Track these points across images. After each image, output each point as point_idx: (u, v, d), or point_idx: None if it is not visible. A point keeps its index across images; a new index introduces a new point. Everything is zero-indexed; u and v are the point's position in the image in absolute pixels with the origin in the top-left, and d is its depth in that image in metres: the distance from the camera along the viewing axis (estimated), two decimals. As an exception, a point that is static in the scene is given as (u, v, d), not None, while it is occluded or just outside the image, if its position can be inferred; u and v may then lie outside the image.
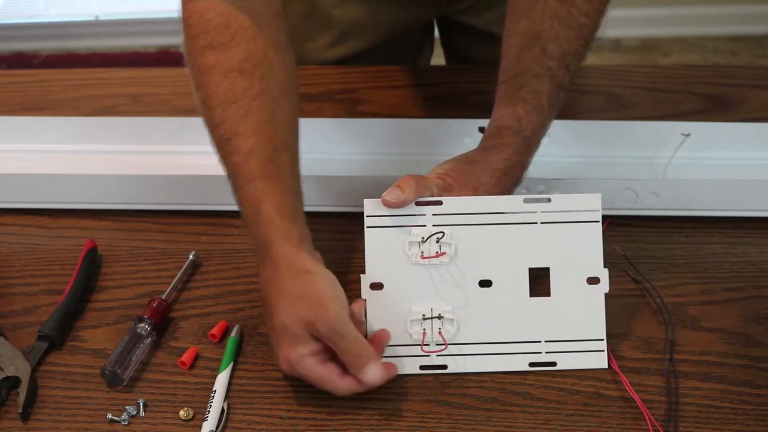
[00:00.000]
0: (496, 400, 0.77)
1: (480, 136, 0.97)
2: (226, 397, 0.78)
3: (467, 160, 0.83)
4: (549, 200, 0.80)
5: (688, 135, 0.96)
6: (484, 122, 0.97)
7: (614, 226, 0.93)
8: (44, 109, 1.11)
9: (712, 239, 0.93)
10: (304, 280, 0.74)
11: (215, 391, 0.78)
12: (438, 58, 1.33)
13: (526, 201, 0.80)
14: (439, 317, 0.78)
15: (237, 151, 0.78)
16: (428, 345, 0.78)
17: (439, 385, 0.79)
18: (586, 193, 0.80)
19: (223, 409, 0.77)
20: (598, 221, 0.80)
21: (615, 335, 0.83)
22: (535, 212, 0.80)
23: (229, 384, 0.79)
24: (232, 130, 0.78)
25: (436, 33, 1.29)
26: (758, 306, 0.86)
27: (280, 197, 0.77)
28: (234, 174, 0.78)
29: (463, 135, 0.99)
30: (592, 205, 0.80)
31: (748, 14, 2.65)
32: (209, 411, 0.76)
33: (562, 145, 0.96)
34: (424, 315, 0.78)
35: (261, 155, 0.77)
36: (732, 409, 0.77)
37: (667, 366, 0.80)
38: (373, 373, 0.73)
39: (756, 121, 1.02)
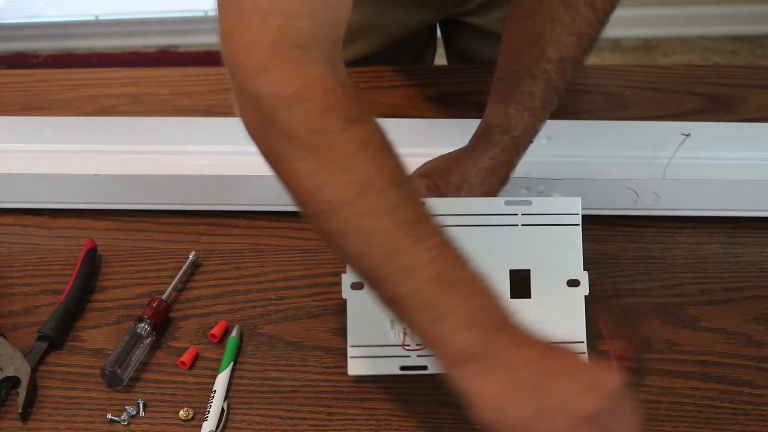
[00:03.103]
0: (496, 400, 0.77)
1: (480, 136, 0.97)
2: (226, 397, 0.78)
3: (453, 158, 0.83)
4: (530, 203, 0.80)
5: (688, 135, 0.96)
6: (484, 122, 0.97)
7: (614, 226, 0.93)
8: (44, 109, 1.11)
9: (712, 239, 0.93)
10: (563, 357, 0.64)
11: (215, 391, 0.78)
12: (440, 59, 1.33)
13: (507, 203, 0.80)
14: None
15: (432, 233, 0.64)
16: (409, 345, 0.78)
17: (440, 385, 0.78)
18: (566, 197, 0.81)
19: (223, 409, 0.77)
20: (578, 224, 0.81)
21: (615, 335, 0.83)
22: (516, 215, 0.80)
23: (229, 384, 0.79)
24: (417, 212, 0.64)
25: (439, 33, 1.29)
26: (758, 306, 0.86)
27: (483, 276, 0.65)
28: (436, 258, 0.63)
29: (463, 135, 0.98)
30: (571, 208, 0.81)
31: (748, 14, 2.64)
32: (209, 411, 0.76)
33: (562, 145, 0.96)
34: None
35: (449, 236, 0.65)
36: (732, 409, 0.77)
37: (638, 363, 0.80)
38: None
39: (756, 121, 1.02)
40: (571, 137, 0.97)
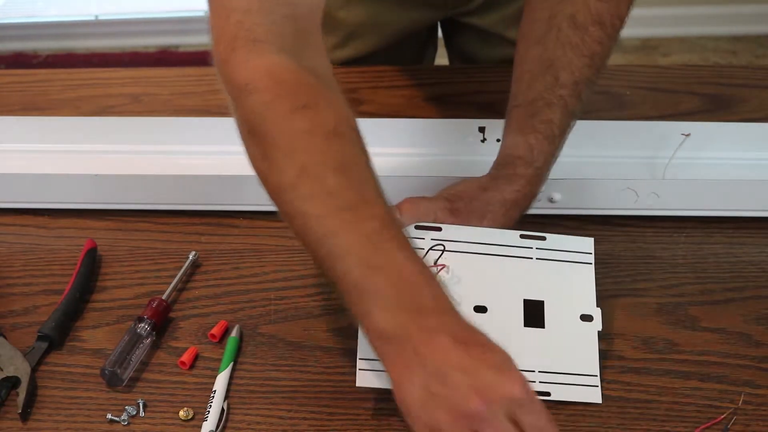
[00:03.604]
0: (496, 400, 0.77)
1: (480, 135, 0.98)
2: (226, 397, 0.78)
3: (480, 186, 0.83)
4: (544, 238, 0.82)
5: (688, 135, 0.96)
6: (484, 122, 0.98)
7: (614, 226, 0.93)
8: (44, 109, 1.11)
9: (712, 239, 0.93)
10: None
11: (215, 391, 0.78)
12: (440, 59, 1.33)
13: (522, 237, 0.82)
14: None
15: (372, 215, 0.66)
16: None
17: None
18: (579, 236, 0.83)
19: (223, 409, 0.77)
20: (591, 263, 0.82)
21: (615, 335, 0.83)
22: (531, 248, 0.82)
23: (229, 384, 0.79)
24: (358, 197, 0.67)
25: (440, 33, 1.29)
26: (758, 306, 0.86)
27: (423, 262, 0.68)
28: (370, 242, 0.66)
29: (463, 135, 0.99)
30: (585, 247, 0.83)
31: (748, 14, 2.64)
32: (209, 411, 0.76)
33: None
34: None
35: (395, 220, 0.68)
36: (732, 410, 0.77)
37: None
38: None
39: (756, 121, 1.02)
40: (571, 137, 0.97)
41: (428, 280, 0.66)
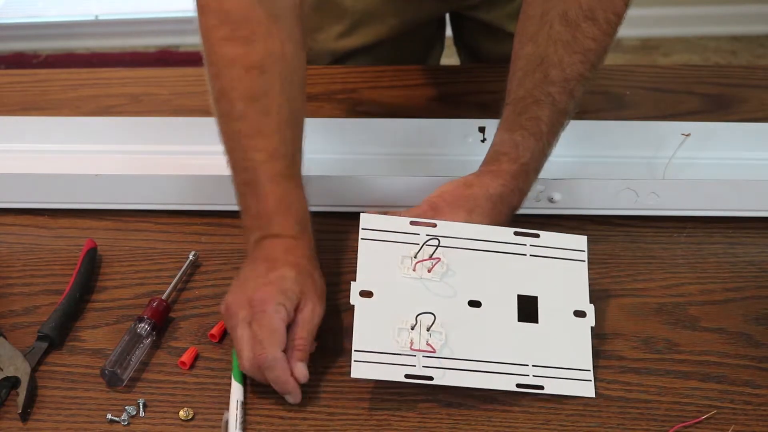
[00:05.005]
0: (496, 400, 0.77)
1: (480, 135, 0.98)
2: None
3: (465, 183, 0.84)
4: (538, 236, 0.83)
5: (688, 135, 0.96)
6: (484, 122, 0.98)
7: (614, 226, 0.93)
8: (44, 109, 1.11)
9: (712, 239, 0.93)
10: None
11: (238, 401, 0.77)
12: (449, 57, 1.33)
13: (516, 234, 0.83)
14: (428, 329, 0.77)
15: (260, 148, 0.80)
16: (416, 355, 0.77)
17: (439, 385, 0.79)
18: (572, 234, 0.84)
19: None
20: (584, 261, 0.83)
21: (615, 335, 0.83)
22: (525, 245, 0.82)
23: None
24: (255, 126, 0.80)
25: (449, 31, 1.29)
26: (758, 306, 0.86)
27: (303, 197, 0.82)
28: (251, 169, 0.80)
29: (463, 135, 0.99)
30: (578, 245, 0.84)
31: (748, 14, 2.64)
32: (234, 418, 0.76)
33: (562, 145, 0.96)
34: (412, 325, 0.77)
35: (286, 156, 0.80)
36: (732, 409, 0.77)
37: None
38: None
39: (756, 121, 1.02)
40: (571, 137, 0.97)
41: (285, 207, 0.80)
